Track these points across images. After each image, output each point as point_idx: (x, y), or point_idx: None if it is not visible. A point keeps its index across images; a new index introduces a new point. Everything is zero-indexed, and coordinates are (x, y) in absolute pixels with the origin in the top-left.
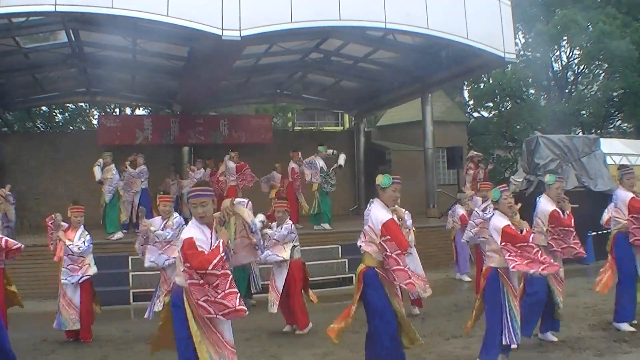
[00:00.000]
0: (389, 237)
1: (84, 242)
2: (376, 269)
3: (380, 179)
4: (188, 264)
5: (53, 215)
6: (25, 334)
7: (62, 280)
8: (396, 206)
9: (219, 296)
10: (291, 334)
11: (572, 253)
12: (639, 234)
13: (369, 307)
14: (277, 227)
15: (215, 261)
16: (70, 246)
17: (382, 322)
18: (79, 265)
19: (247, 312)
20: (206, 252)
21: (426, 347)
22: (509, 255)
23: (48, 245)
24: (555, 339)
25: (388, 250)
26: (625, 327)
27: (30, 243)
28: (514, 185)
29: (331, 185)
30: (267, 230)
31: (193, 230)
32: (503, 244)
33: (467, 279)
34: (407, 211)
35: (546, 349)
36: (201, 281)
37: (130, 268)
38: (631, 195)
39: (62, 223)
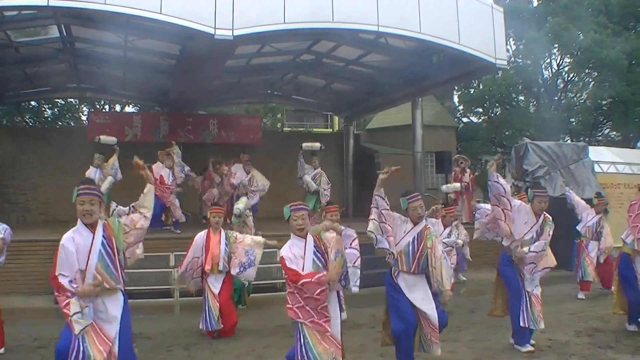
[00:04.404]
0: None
1: None
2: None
3: (401, 203)
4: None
5: None
6: (14, 329)
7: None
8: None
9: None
10: (279, 334)
11: None
12: None
13: None
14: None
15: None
16: None
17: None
18: None
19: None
20: None
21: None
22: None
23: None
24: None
25: None
26: None
27: (17, 238)
28: None
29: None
30: None
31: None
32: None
33: (463, 278)
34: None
35: (532, 355)
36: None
37: None
38: None
39: None
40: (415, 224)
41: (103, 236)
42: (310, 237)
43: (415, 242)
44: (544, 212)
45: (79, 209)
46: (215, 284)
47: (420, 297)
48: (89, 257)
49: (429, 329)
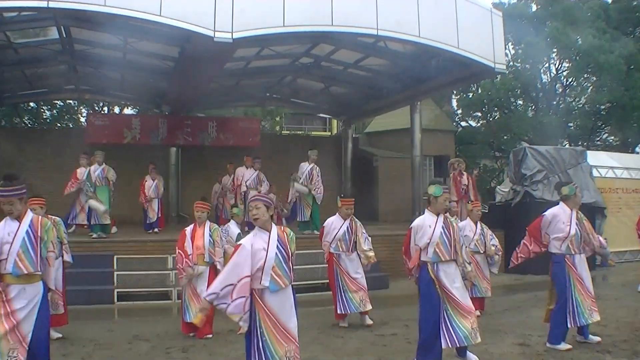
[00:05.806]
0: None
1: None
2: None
3: (432, 189)
4: None
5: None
6: None
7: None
8: None
9: None
10: None
11: None
12: None
13: None
14: None
15: None
16: None
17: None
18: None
19: None
20: None
21: (412, 353)
22: None
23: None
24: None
25: None
26: None
27: None
28: (501, 195)
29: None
30: None
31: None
32: None
33: None
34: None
35: (530, 359)
36: None
37: (115, 267)
38: None
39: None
40: (437, 214)
41: (29, 226)
42: (274, 230)
43: (446, 230)
44: None
45: (2, 207)
46: (198, 282)
47: (459, 285)
48: (12, 243)
49: (466, 312)
